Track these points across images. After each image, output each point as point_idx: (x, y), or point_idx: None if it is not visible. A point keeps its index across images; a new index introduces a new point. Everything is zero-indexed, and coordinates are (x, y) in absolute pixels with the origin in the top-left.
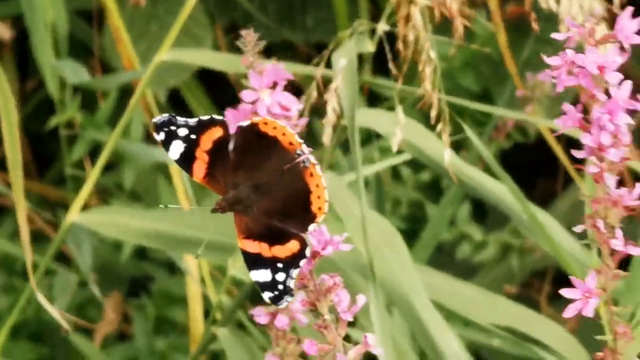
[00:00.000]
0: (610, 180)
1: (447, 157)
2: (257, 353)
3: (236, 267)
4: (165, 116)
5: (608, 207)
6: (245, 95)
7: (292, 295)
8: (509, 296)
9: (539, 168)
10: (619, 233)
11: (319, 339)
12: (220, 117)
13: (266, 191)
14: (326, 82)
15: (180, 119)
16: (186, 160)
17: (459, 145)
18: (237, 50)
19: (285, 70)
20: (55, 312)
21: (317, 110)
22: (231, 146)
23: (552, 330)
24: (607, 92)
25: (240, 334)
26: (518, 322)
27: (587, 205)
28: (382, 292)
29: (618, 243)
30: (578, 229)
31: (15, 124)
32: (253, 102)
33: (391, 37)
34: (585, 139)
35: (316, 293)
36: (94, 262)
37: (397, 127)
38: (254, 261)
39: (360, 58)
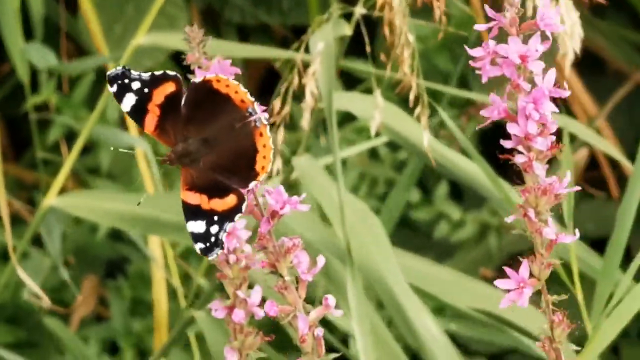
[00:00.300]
0: (539, 169)
1: (426, 140)
2: None
3: None
4: (119, 69)
5: (538, 196)
6: None
7: (222, 248)
8: (485, 279)
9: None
10: (550, 221)
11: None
12: (173, 73)
13: (214, 146)
14: (304, 66)
15: (134, 73)
16: (138, 113)
17: (438, 127)
18: (214, 32)
19: (231, 65)
20: (37, 288)
21: (293, 94)
22: (183, 101)
23: (529, 313)
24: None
25: None
26: (495, 305)
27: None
28: (360, 275)
29: (549, 231)
30: (509, 219)
31: None
32: None
33: (368, 21)
34: (512, 128)
35: (276, 254)
36: (71, 245)
37: (376, 110)
38: (192, 212)
39: (338, 41)
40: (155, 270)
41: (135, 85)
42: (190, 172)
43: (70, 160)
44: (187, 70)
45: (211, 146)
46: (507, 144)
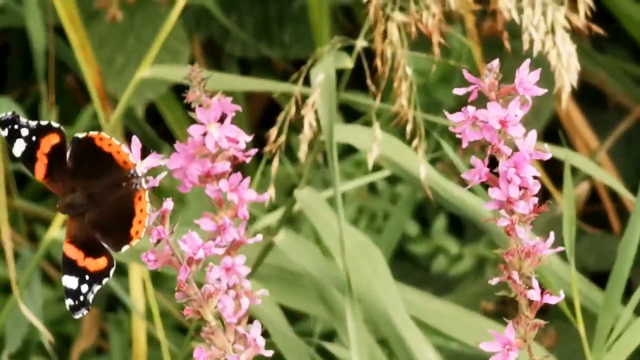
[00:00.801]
0: (522, 232)
1: (423, 173)
2: None
3: None
4: (9, 114)
5: (522, 258)
6: (193, 130)
7: (87, 310)
8: (486, 313)
9: None
10: (534, 283)
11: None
12: (57, 125)
13: (96, 203)
14: (305, 98)
15: (23, 120)
16: (29, 159)
17: (437, 159)
18: (215, 65)
19: (231, 103)
20: (39, 324)
21: (294, 126)
22: (68, 154)
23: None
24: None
25: None
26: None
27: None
28: (361, 306)
29: (534, 294)
30: (494, 281)
31: None
32: (203, 135)
33: (369, 53)
34: (494, 193)
35: (199, 301)
36: None
37: (374, 143)
38: (68, 266)
39: (339, 74)
40: (135, 318)
41: (24, 132)
42: (74, 225)
43: None
44: (188, 105)
45: (94, 202)
46: (489, 206)
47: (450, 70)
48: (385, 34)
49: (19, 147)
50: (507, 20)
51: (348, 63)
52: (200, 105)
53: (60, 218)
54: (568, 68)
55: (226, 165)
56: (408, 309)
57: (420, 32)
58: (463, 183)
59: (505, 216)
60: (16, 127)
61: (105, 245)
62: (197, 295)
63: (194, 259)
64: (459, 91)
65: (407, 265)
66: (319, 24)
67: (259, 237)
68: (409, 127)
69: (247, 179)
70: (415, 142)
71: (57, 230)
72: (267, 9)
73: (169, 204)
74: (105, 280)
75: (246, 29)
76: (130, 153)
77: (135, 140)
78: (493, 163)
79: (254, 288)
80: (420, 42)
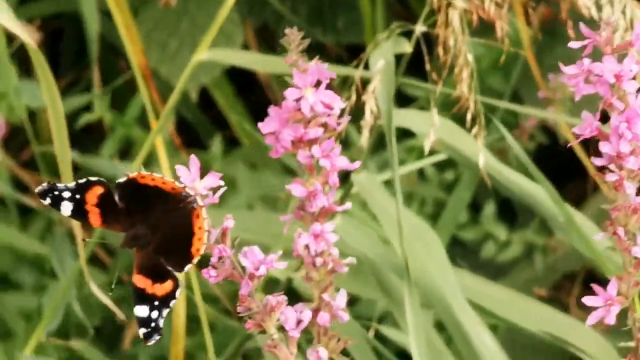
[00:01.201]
0: (630, 188)
1: (482, 160)
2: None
3: None
4: (45, 185)
5: (628, 214)
6: (289, 93)
7: (160, 335)
8: (538, 298)
9: (569, 171)
10: (639, 239)
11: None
12: (96, 178)
13: (157, 230)
14: (363, 83)
15: (60, 185)
16: (79, 215)
17: (488, 146)
18: (268, 50)
19: (327, 69)
20: (110, 303)
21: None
22: (117, 198)
23: (584, 333)
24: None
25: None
26: (549, 324)
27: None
28: (418, 291)
29: (638, 250)
30: (599, 237)
31: (62, 117)
32: (297, 100)
33: (426, 38)
34: (604, 147)
35: (261, 314)
36: (125, 263)
37: (431, 128)
38: (139, 296)
39: (397, 59)
40: None
41: (66, 194)
42: (140, 256)
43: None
44: (241, 85)
45: (155, 230)
46: (597, 161)
47: (501, 56)
48: (446, 22)
49: (66, 209)
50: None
51: (407, 48)
52: (297, 69)
53: None
54: None
55: (319, 131)
56: (464, 292)
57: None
58: (517, 167)
59: (615, 171)
60: (57, 192)
61: (170, 268)
62: (259, 308)
63: (254, 274)
64: (574, 44)
65: (459, 249)
66: (370, 10)
67: (349, 204)
68: (469, 114)
69: (339, 146)
70: (474, 129)
71: None
72: None
73: (229, 222)
74: (173, 303)
75: (300, 14)
76: (174, 180)
77: (193, 159)
78: (604, 118)
79: None
80: (477, 29)
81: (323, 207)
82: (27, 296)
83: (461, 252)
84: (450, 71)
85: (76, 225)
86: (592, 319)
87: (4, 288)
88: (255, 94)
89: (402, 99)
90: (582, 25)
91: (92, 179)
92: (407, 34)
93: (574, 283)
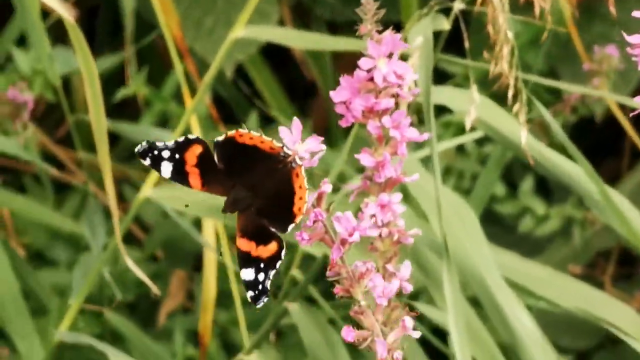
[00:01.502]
0: None
1: (524, 138)
2: (328, 328)
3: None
4: (144, 144)
5: None
6: (363, 63)
7: (268, 296)
8: (573, 276)
9: (603, 148)
10: None
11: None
12: (194, 136)
13: (258, 191)
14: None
15: (159, 144)
16: (179, 176)
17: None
18: (303, 28)
19: (401, 41)
20: (146, 278)
21: None
22: (216, 158)
23: (620, 310)
24: None
25: (312, 309)
26: (585, 302)
27: None
28: (456, 270)
29: None
30: None
31: (99, 92)
32: (369, 70)
33: (464, 16)
34: None
35: (349, 280)
36: (159, 240)
37: (472, 105)
38: (244, 259)
39: (435, 37)
40: (206, 252)
41: (166, 154)
42: (242, 219)
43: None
44: (277, 66)
45: (257, 192)
46: None
47: (539, 34)
48: None
49: (166, 169)
50: None
51: (445, 25)
52: (371, 39)
53: (152, 177)
54: None
55: (390, 102)
56: (500, 269)
57: None
58: (553, 145)
59: None
60: (156, 152)
61: (274, 230)
62: (348, 275)
63: (347, 240)
64: (638, 14)
65: (494, 227)
66: None
67: (416, 175)
68: (510, 93)
69: (409, 118)
70: (515, 107)
71: (149, 190)
72: None
73: (326, 186)
74: (278, 264)
75: None
76: (272, 139)
77: (296, 121)
78: None
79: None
80: (515, 6)
81: (390, 178)
82: (62, 272)
83: (498, 229)
84: (490, 49)
85: (112, 200)
86: None
87: (39, 265)
88: (291, 72)
89: (439, 76)
90: None
91: (191, 136)
92: (445, 12)
93: (608, 261)
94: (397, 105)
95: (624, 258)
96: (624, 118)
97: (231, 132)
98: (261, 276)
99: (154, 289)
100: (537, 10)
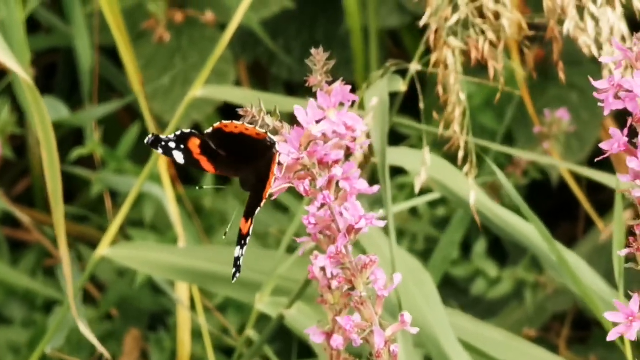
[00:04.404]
0: None
1: (473, 199)
2: None
3: (263, 302)
4: (151, 136)
5: None
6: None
7: (239, 272)
8: (528, 339)
9: (560, 212)
10: None
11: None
12: (189, 130)
13: (254, 174)
14: None
15: (163, 136)
16: (191, 164)
17: (481, 184)
18: (261, 87)
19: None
20: (96, 341)
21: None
22: (213, 146)
23: None
24: None
25: None
26: None
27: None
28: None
29: None
30: (622, 252)
31: (55, 156)
32: (318, 122)
33: (421, 75)
34: (632, 163)
35: (352, 270)
36: (114, 298)
37: (423, 167)
38: (239, 237)
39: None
40: (180, 310)
41: (172, 144)
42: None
43: (122, 213)
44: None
45: (249, 174)
46: (624, 178)
47: (493, 95)
48: (439, 59)
49: (179, 157)
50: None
51: (402, 87)
52: (321, 90)
53: (108, 237)
54: None
55: (340, 154)
56: (455, 332)
57: (469, 57)
58: (507, 205)
59: None
60: (164, 143)
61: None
62: (351, 265)
63: (354, 227)
64: (605, 59)
65: (448, 289)
66: (362, 49)
67: (366, 228)
68: (460, 154)
69: (358, 170)
70: (465, 168)
71: (105, 249)
72: (314, 33)
73: (337, 170)
74: (248, 240)
75: (292, 52)
76: (255, 126)
77: (312, 102)
78: (632, 134)
79: (299, 309)
80: (469, 68)
81: (350, 226)
82: (17, 330)
83: (452, 290)
84: (440, 110)
85: (66, 264)
86: (612, 334)
87: None
88: None
89: (394, 136)
90: (614, 40)
91: (186, 130)
92: (400, 73)
93: (563, 324)
94: (347, 157)
95: (579, 321)
96: (575, 185)
97: (217, 124)
98: (238, 251)
99: (105, 352)
100: (491, 72)
